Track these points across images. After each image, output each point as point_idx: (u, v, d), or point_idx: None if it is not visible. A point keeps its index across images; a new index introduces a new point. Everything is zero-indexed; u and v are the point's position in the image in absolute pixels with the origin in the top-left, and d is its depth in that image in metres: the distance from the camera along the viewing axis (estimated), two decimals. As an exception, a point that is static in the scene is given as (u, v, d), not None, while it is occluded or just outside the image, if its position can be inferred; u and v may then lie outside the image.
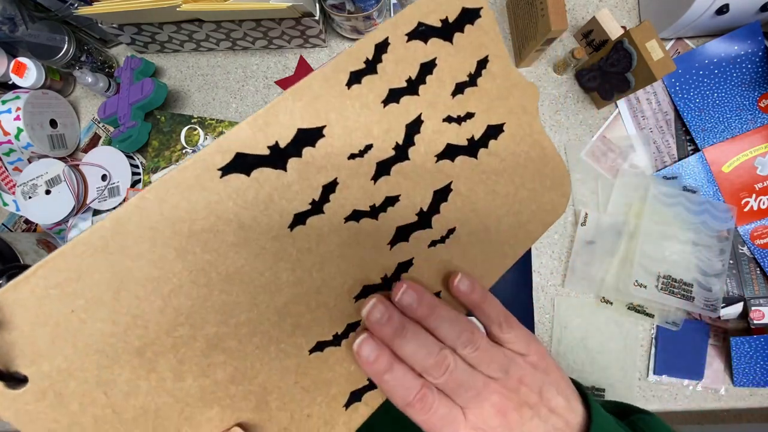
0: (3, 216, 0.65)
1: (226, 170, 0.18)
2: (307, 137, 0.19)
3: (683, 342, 0.57)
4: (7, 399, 0.16)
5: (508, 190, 0.26)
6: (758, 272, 0.58)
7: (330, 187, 0.21)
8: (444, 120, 0.23)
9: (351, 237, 0.22)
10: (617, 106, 0.62)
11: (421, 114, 0.22)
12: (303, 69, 0.64)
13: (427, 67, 0.22)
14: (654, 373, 0.57)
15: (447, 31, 0.22)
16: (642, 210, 0.57)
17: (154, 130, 0.60)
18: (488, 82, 0.24)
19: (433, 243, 0.24)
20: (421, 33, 0.22)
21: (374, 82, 0.21)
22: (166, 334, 0.18)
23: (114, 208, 0.61)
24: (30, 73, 0.58)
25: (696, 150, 0.60)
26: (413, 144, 0.23)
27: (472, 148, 0.24)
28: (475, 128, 0.24)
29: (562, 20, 0.50)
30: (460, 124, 0.24)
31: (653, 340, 0.58)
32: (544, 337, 0.60)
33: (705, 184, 0.59)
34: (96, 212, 0.62)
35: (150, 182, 0.58)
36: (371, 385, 0.23)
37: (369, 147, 0.21)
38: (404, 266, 0.24)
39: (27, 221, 0.64)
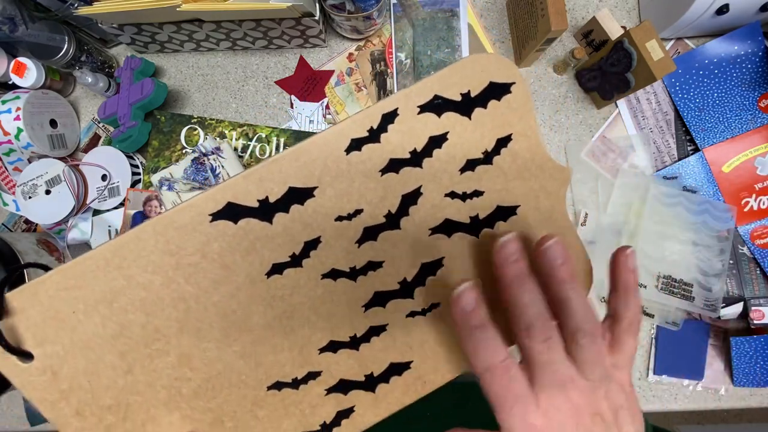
0: (3, 216, 0.65)
1: (216, 216, 0.20)
2: (297, 196, 0.20)
3: (683, 342, 0.57)
4: (17, 369, 0.20)
5: None
6: (758, 272, 0.58)
7: (312, 244, 0.21)
8: (446, 195, 0.22)
9: (325, 293, 0.22)
10: (617, 106, 0.62)
11: (420, 186, 0.22)
12: (303, 69, 0.64)
13: (437, 141, 0.21)
14: (654, 373, 0.58)
15: (466, 105, 0.21)
16: (642, 210, 0.57)
17: (154, 130, 0.60)
18: (507, 162, 0.22)
19: (413, 314, 0.24)
20: (436, 106, 0.21)
21: (375, 151, 0.21)
22: (145, 345, 0.21)
23: (114, 207, 0.61)
24: (30, 73, 0.58)
25: (696, 150, 0.60)
26: (407, 215, 0.22)
27: (475, 226, 0.23)
28: (481, 207, 0.23)
29: (562, 20, 0.50)
30: (464, 200, 0.23)
31: (653, 340, 0.58)
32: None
33: (705, 184, 0.59)
34: (96, 212, 0.62)
35: (150, 182, 0.58)
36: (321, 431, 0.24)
37: (359, 212, 0.21)
38: (376, 330, 0.24)
39: (27, 221, 0.64)
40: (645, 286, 0.55)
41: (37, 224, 0.63)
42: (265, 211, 0.20)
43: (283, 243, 0.21)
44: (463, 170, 0.22)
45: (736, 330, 0.59)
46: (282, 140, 0.59)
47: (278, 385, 0.23)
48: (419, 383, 0.25)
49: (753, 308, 0.57)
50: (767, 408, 0.59)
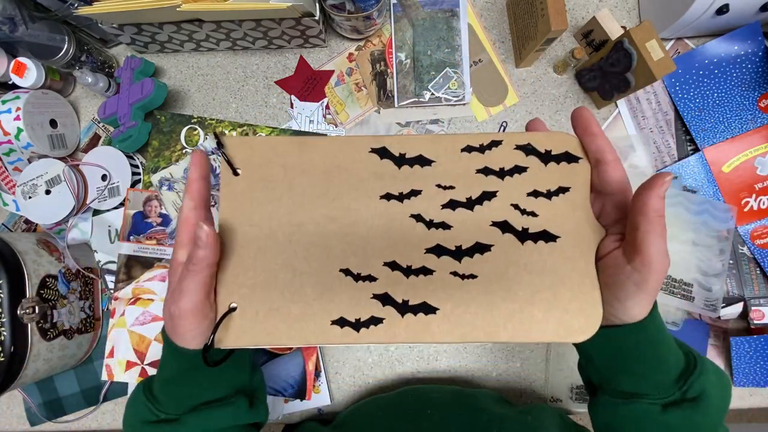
0: (3, 216, 0.65)
1: (373, 150, 0.31)
2: (421, 161, 0.31)
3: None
4: (229, 176, 0.31)
5: (534, 283, 0.30)
6: (758, 272, 0.58)
7: (415, 192, 0.31)
8: (512, 205, 0.30)
9: (406, 227, 0.31)
10: (617, 106, 0.62)
11: (497, 191, 0.30)
12: (303, 69, 0.64)
13: (519, 169, 0.30)
14: (654, 373, 0.57)
15: (547, 157, 0.30)
16: (642, 210, 0.57)
17: (154, 130, 0.60)
18: (562, 203, 0.30)
19: (454, 273, 0.30)
20: (527, 149, 0.30)
21: (478, 157, 0.31)
22: (299, 195, 0.31)
23: (114, 207, 0.61)
24: (30, 73, 0.58)
25: (696, 150, 0.60)
26: (481, 204, 0.31)
27: (523, 235, 0.30)
28: (532, 224, 0.30)
29: (562, 20, 0.50)
30: (522, 214, 0.30)
31: (653, 340, 0.58)
32: (544, 337, 0.60)
33: (705, 184, 0.59)
34: (96, 212, 0.62)
35: (150, 182, 0.58)
36: (353, 324, 0.30)
37: (452, 187, 0.31)
38: (426, 271, 0.30)
39: (27, 221, 0.64)
40: (645, 286, 0.55)
41: (37, 224, 0.63)
42: (400, 160, 0.31)
43: (399, 183, 0.31)
44: (529, 194, 0.30)
45: (736, 330, 0.59)
46: (282, 140, 0.59)
47: (347, 272, 0.30)
48: (428, 333, 0.30)
49: (753, 308, 0.57)
50: (767, 408, 0.59)
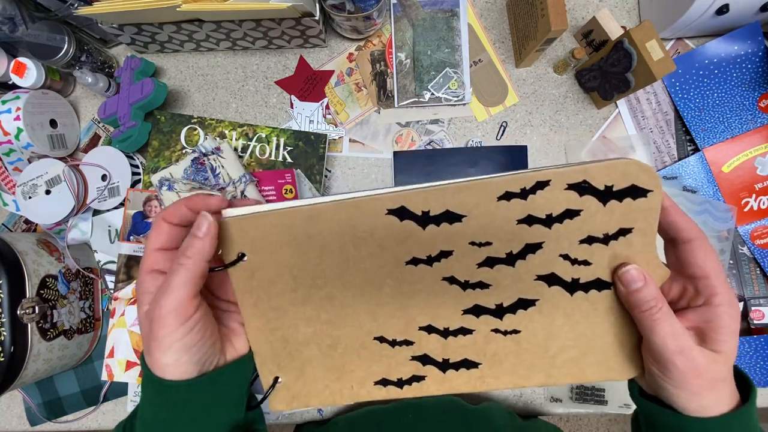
0: (3, 216, 0.65)
1: (390, 212, 0.27)
2: (449, 217, 0.26)
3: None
4: (236, 269, 0.28)
5: (586, 332, 0.29)
6: (758, 272, 0.58)
7: (445, 254, 0.27)
8: (560, 255, 0.27)
9: (440, 290, 0.29)
10: (617, 106, 0.62)
11: (543, 242, 0.27)
12: (303, 69, 0.64)
13: (570, 213, 0.26)
14: (654, 373, 0.57)
15: (606, 195, 0.25)
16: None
17: (154, 130, 0.60)
18: (621, 247, 0.26)
19: (496, 330, 0.29)
20: (582, 188, 0.25)
21: (519, 204, 0.26)
22: (311, 278, 0.29)
23: (114, 207, 0.61)
24: (30, 73, 0.58)
25: (696, 150, 0.60)
26: (524, 259, 0.27)
27: (573, 286, 0.28)
28: (584, 274, 0.27)
29: (562, 20, 0.50)
30: (573, 264, 0.27)
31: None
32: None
33: (705, 184, 0.59)
34: (96, 212, 0.62)
35: (150, 182, 0.58)
36: (396, 383, 0.31)
37: (489, 243, 0.27)
38: (464, 331, 0.29)
39: (27, 221, 0.64)
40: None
41: (37, 224, 0.63)
42: (424, 220, 0.27)
43: (426, 246, 0.27)
44: (582, 242, 0.26)
45: (736, 330, 0.59)
46: (282, 140, 0.59)
47: (381, 339, 0.30)
48: (479, 381, 0.30)
49: (753, 308, 0.57)
50: (767, 408, 0.59)
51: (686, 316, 0.26)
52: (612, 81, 0.56)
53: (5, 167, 0.62)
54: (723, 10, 0.53)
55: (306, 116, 0.63)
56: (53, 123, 0.60)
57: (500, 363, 0.30)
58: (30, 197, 0.59)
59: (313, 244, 0.28)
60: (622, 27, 0.57)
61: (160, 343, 0.26)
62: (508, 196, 0.25)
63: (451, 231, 0.27)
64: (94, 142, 0.65)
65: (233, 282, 0.29)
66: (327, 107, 0.63)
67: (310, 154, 0.59)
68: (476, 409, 0.54)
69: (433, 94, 0.61)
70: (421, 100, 0.62)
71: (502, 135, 0.62)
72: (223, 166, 0.56)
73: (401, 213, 0.26)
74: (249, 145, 0.59)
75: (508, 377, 0.30)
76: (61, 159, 0.61)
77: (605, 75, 0.56)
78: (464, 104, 0.62)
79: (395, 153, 0.59)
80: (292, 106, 0.64)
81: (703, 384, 0.25)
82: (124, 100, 0.58)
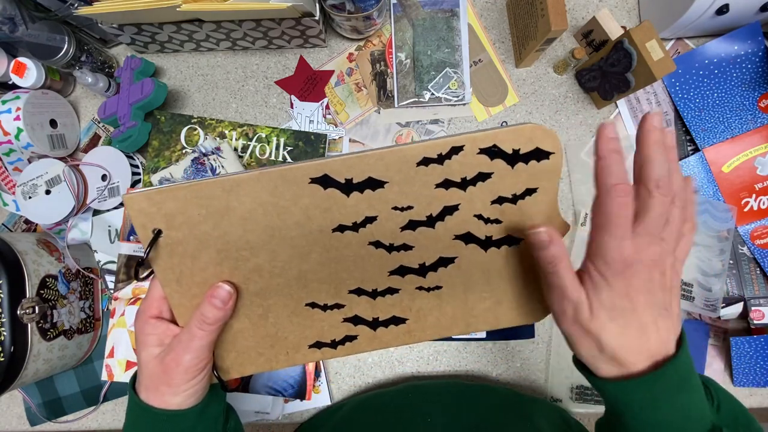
0: (3, 216, 0.65)
1: (313, 180, 0.27)
2: (372, 184, 0.27)
3: (683, 342, 0.57)
4: (158, 245, 0.28)
5: (500, 284, 0.32)
6: (758, 272, 0.58)
7: (370, 219, 0.29)
8: (474, 215, 0.29)
9: (366, 255, 0.30)
10: (617, 106, 0.62)
11: (459, 204, 0.29)
12: (303, 69, 0.64)
13: (483, 176, 0.28)
14: (654, 373, 0.57)
15: (513, 158, 0.27)
16: (642, 210, 0.57)
17: (154, 130, 0.60)
18: (527, 205, 0.29)
19: (420, 288, 0.32)
20: (492, 152, 0.27)
21: (436, 170, 0.27)
22: (236, 250, 0.29)
23: (114, 207, 0.61)
24: (30, 73, 0.58)
25: (696, 150, 0.60)
26: (442, 220, 0.29)
27: (486, 243, 0.30)
28: (495, 231, 0.30)
29: (562, 20, 0.50)
30: (486, 223, 0.29)
31: (653, 340, 0.58)
32: (545, 336, 0.60)
33: (705, 184, 0.59)
34: (96, 212, 0.62)
35: (150, 182, 0.58)
36: (330, 344, 0.33)
37: (410, 207, 0.28)
38: (391, 291, 0.32)
39: (27, 221, 0.64)
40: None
41: (37, 224, 0.63)
42: (348, 187, 0.27)
43: (351, 212, 0.28)
44: (493, 202, 0.29)
45: (736, 330, 0.59)
46: (282, 140, 0.59)
47: (313, 305, 0.31)
48: (407, 335, 0.33)
49: (753, 308, 0.57)
50: (767, 408, 0.59)
51: None
52: (612, 81, 0.56)
53: (5, 167, 0.62)
54: (723, 10, 0.53)
55: (306, 116, 0.63)
56: (53, 123, 0.60)
57: (425, 317, 0.33)
58: (30, 197, 0.59)
59: (235, 216, 0.28)
60: (622, 27, 0.57)
61: (175, 389, 0.30)
62: (426, 161, 0.27)
63: (375, 197, 0.28)
64: (94, 142, 0.65)
65: (151, 260, 0.29)
66: (327, 107, 0.63)
67: (310, 154, 0.59)
68: (474, 384, 0.55)
69: (433, 94, 0.61)
70: (421, 100, 0.62)
71: (502, 135, 0.62)
72: (223, 166, 0.56)
73: (325, 181, 0.27)
74: (249, 145, 0.59)
75: (432, 329, 0.33)
76: (61, 159, 0.61)
77: (605, 75, 0.56)
78: (464, 104, 0.62)
79: (395, 153, 0.59)
80: (292, 106, 0.64)
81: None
82: (124, 100, 0.58)
